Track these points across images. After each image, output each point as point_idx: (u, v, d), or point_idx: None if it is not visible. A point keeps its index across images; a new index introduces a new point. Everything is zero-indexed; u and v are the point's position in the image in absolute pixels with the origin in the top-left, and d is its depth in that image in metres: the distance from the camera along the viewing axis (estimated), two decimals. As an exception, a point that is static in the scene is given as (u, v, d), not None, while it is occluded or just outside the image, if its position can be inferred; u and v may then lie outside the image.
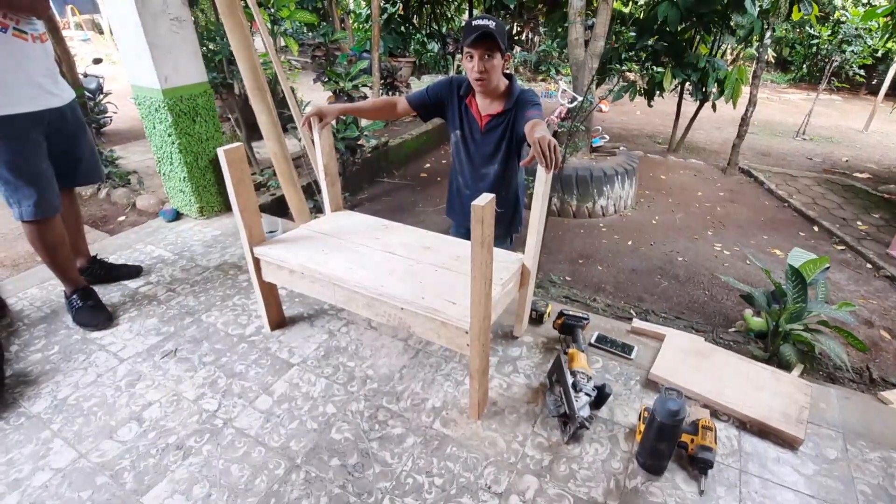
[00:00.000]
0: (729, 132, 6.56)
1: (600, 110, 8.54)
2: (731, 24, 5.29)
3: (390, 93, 6.61)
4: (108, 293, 2.19)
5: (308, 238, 1.83)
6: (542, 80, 10.94)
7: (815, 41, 10.63)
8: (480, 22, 1.58)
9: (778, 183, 5.56)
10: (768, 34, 5.25)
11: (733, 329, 2.84)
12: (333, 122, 2.31)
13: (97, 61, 5.58)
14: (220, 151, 1.54)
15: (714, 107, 5.97)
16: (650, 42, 5.46)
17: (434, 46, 9.53)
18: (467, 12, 9.33)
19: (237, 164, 1.58)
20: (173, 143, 2.66)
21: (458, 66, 8.88)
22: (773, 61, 12.70)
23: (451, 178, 2.03)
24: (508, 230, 2.04)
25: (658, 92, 5.85)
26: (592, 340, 1.90)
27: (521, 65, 11.29)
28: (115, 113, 5.89)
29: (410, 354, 1.86)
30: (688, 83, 5.83)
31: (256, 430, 1.53)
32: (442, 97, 1.86)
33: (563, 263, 3.86)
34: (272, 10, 3.84)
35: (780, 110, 9.55)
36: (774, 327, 2.38)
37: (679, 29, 5.35)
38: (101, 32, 13.37)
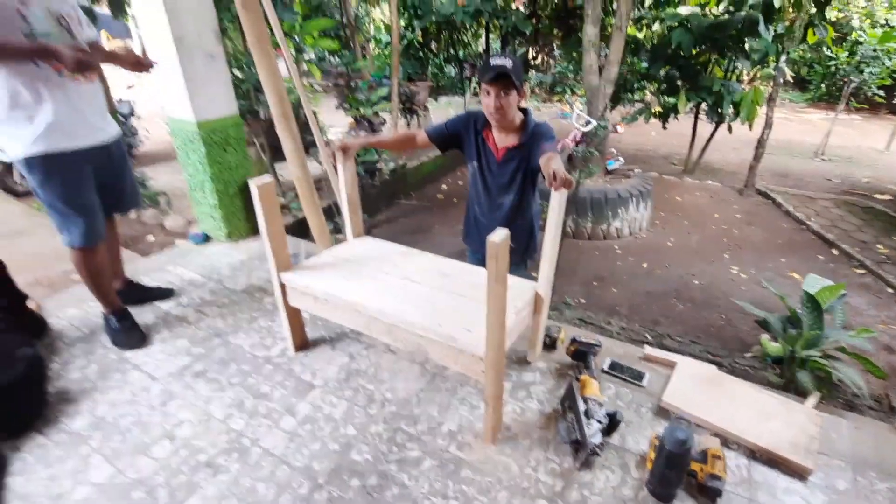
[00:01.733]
0: (746, 153, 6.54)
1: (615, 131, 8.59)
2: (746, 48, 5.34)
3: (408, 115, 6.82)
4: (142, 314, 2.31)
5: (331, 265, 1.93)
6: (558, 101, 11.06)
7: (833, 62, 10.56)
8: (498, 62, 1.67)
9: (796, 205, 5.53)
10: (783, 57, 5.28)
11: (750, 354, 2.83)
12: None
13: (130, 87, 5.89)
14: (252, 184, 1.65)
15: (730, 128, 5.97)
16: (663, 71, 5.53)
17: (451, 70, 9.78)
18: (483, 38, 9.58)
19: (268, 197, 1.69)
20: (206, 172, 2.81)
21: (475, 89, 9.06)
22: (792, 80, 12.63)
23: (469, 206, 2.12)
24: (523, 257, 2.11)
25: (673, 114, 5.90)
26: (605, 367, 1.95)
27: (537, 86, 11.45)
28: (146, 137, 6.17)
29: (427, 378, 1.92)
30: (703, 105, 5.86)
31: (281, 449, 1.61)
32: (459, 131, 1.96)
33: (578, 286, 3.89)
34: (297, 39, 4.02)
35: (798, 130, 9.47)
36: (791, 353, 2.37)
37: (693, 53, 5.41)
38: (133, 57, 13.93)
